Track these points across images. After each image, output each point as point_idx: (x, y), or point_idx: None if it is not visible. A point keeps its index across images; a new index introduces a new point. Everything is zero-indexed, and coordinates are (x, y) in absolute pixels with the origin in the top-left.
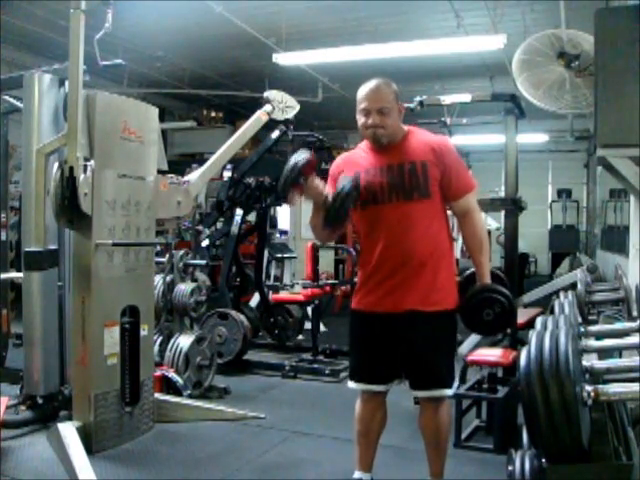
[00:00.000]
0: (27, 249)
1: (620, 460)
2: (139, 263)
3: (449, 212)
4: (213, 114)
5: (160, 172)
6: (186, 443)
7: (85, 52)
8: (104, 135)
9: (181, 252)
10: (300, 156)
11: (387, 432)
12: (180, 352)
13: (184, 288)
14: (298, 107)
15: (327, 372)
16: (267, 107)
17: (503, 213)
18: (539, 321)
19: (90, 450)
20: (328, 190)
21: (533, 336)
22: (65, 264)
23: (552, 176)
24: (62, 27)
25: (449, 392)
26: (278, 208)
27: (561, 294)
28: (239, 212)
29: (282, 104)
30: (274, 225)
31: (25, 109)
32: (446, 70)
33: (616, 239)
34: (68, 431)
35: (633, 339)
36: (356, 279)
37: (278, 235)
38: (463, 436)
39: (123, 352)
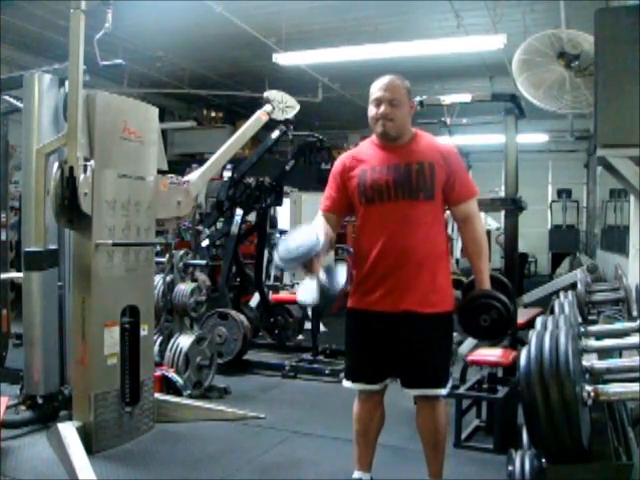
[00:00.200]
0: (27, 249)
1: (620, 460)
2: (139, 263)
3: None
4: (213, 114)
5: (160, 172)
6: (186, 443)
7: (85, 52)
8: (104, 135)
9: (181, 252)
10: (311, 242)
11: (386, 432)
12: (180, 352)
13: (184, 288)
14: (298, 107)
15: (327, 372)
16: (267, 107)
17: (503, 213)
18: (539, 321)
19: (90, 450)
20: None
21: (533, 336)
22: (65, 264)
23: (552, 176)
24: (62, 27)
25: (443, 391)
26: (278, 208)
27: (561, 294)
28: (239, 212)
29: (282, 104)
30: (274, 225)
31: (25, 109)
32: (446, 70)
33: (616, 239)
34: (68, 431)
35: (633, 339)
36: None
37: (278, 235)
38: (463, 436)
39: (123, 352)
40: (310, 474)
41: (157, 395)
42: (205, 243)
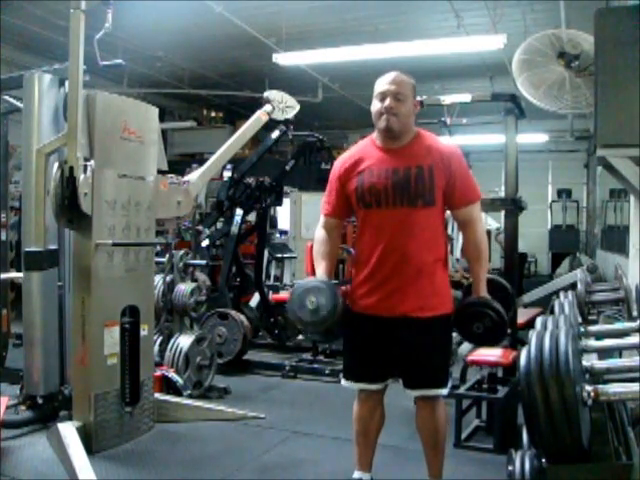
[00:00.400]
0: (27, 249)
1: (620, 460)
2: (139, 263)
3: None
4: (213, 114)
5: (160, 172)
6: (186, 443)
7: (85, 52)
8: (104, 135)
9: (181, 252)
10: (330, 304)
11: (386, 432)
12: (180, 352)
13: (184, 288)
14: (298, 107)
15: (327, 372)
16: (267, 107)
17: (503, 213)
18: (539, 321)
19: (90, 450)
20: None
21: (533, 336)
22: (65, 264)
23: (552, 176)
24: (62, 27)
25: (443, 392)
26: (278, 208)
27: (561, 294)
28: (239, 212)
29: (282, 104)
30: (274, 225)
31: (25, 109)
32: (446, 70)
33: (616, 239)
34: (68, 431)
35: (633, 339)
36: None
37: (278, 235)
38: (463, 436)
39: (123, 352)
40: (310, 474)
41: (157, 395)
42: (205, 243)
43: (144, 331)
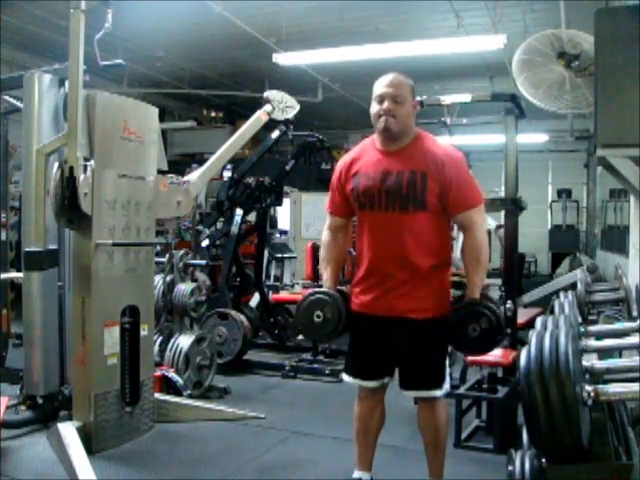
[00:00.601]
0: (27, 249)
1: (620, 460)
2: (139, 263)
3: None
4: (213, 114)
5: (160, 172)
6: (186, 443)
7: (85, 52)
8: (104, 135)
9: (181, 252)
10: (334, 318)
11: (387, 432)
12: (180, 352)
13: (184, 288)
14: (298, 107)
15: (327, 372)
16: (267, 107)
17: (503, 213)
18: (539, 321)
19: (90, 450)
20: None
21: (533, 336)
22: (65, 264)
23: (552, 176)
24: (62, 27)
25: (438, 393)
26: (278, 208)
27: (561, 294)
28: (239, 212)
29: (282, 104)
30: (274, 225)
31: (25, 109)
32: (446, 70)
33: (616, 239)
34: (68, 431)
35: (633, 339)
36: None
37: (278, 235)
38: (463, 436)
39: (123, 352)
40: (310, 474)
41: (157, 395)
42: (205, 243)
43: (144, 331)
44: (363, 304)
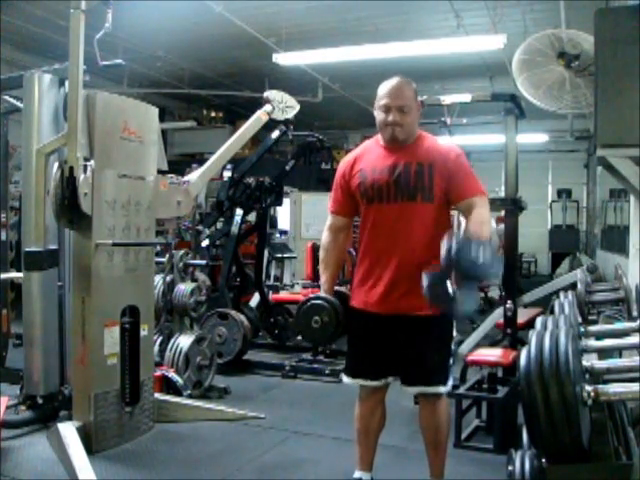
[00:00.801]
0: (27, 249)
1: (620, 460)
2: (139, 263)
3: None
4: (213, 114)
5: (160, 172)
6: (186, 443)
7: (85, 52)
8: (104, 135)
9: (181, 252)
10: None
11: (387, 432)
12: (180, 352)
13: (184, 288)
14: (298, 107)
15: (327, 372)
16: (267, 107)
17: (503, 213)
18: (539, 321)
19: (90, 450)
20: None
21: (533, 336)
22: (65, 264)
23: (552, 176)
24: (62, 27)
25: (443, 389)
26: (278, 208)
27: (561, 294)
28: (239, 212)
29: (282, 104)
30: (274, 225)
31: (25, 109)
32: (446, 70)
33: (616, 239)
34: (68, 431)
35: (633, 339)
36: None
37: (278, 235)
38: (463, 436)
39: (123, 352)
40: (310, 474)
41: (157, 395)
42: (205, 243)
43: (144, 331)
44: (366, 301)
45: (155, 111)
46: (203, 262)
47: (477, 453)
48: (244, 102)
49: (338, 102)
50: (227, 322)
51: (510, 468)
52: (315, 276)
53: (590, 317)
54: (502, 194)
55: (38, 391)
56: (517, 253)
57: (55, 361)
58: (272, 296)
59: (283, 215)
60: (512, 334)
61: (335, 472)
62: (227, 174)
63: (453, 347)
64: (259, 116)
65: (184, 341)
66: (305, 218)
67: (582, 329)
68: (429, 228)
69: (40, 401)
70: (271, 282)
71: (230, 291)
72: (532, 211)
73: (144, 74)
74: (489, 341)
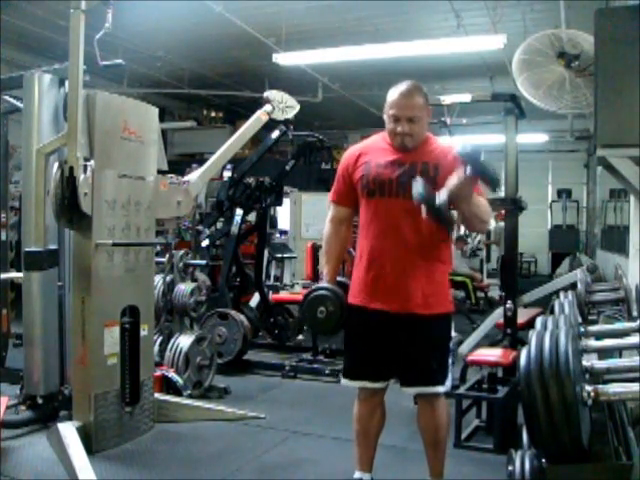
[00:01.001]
0: (27, 249)
1: (620, 460)
2: (139, 263)
3: None
4: (213, 114)
5: (160, 172)
6: (186, 443)
7: (85, 52)
8: (104, 135)
9: (181, 252)
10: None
11: (387, 432)
12: (180, 352)
13: (184, 288)
14: (298, 107)
15: (327, 372)
16: (267, 107)
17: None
18: (539, 321)
19: (90, 450)
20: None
21: (533, 336)
22: (65, 264)
23: (552, 176)
24: (62, 27)
25: (441, 389)
26: (278, 208)
27: (561, 294)
28: (239, 212)
29: (282, 104)
30: (274, 225)
31: (25, 109)
32: (446, 70)
33: (616, 239)
34: (68, 431)
35: (633, 339)
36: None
37: (278, 235)
38: (463, 436)
39: (123, 352)
40: (310, 474)
41: (157, 395)
42: (205, 243)
43: (144, 331)
44: (367, 299)
45: (155, 111)
46: (203, 262)
47: (477, 453)
48: (244, 102)
49: (338, 102)
50: (227, 322)
51: (510, 468)
52: (315, 276)
53: (590, 317)
54: (502, 194)
55: (38, 391)
56: (517, 253)
57: (55, 361)
58: (272, 296)
59: (283, 215)
60: (512, 334)
61: (335, 472)
62: (227, 174)
63: (453, 347)
64: (259, 116)
65: (184, 341)
66: (305, 218)
67: (582, 329)
68: (428, 228)
69: (40, 401)
70: (271, 282)
71: (230, 291)
72: (532, 211)
73: (144, 74)
74: (489, 341)
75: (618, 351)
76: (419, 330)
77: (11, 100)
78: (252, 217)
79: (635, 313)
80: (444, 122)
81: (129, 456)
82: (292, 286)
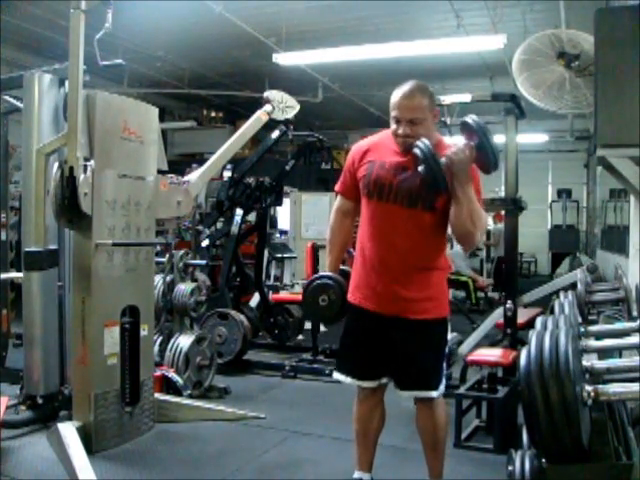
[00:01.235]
0: (27, 249)
1: (620, 460)
2: (139, 263)
3: None
4: (213, 114)
5: (160, 172)
6: (186, 443)
7: (85, 52)
8: (104, 135)
9: (181, 252)
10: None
11: (387, 432)
12: (180, 352)
13: (184, 288)
14: (298, 107)
15: (327, 372)
16: (267, 107)
17: (503, 213)
18: (539, 321)
19: (90, 450)
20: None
21: (533, 336)
22: (65, 264)
23: (552, 176)
24: (62, 27)
25: (434, 394)
26: (278, 208)
27: (561, 294)
28: (239, 212)
29: (282, 104)
30: (274, 225)
31: (25, 109)
32: (446, 70)
33: (616, 239)
34: (68, 431)
35: (633, 339)
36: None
37: (278, 235)
38: (463, 436)
39: (123, 352)
40: (310, 474)
41: (157, 395)
42: (205, 243)
43: (144, 331)
44: (363, 299)
45: (155, 111)
46: (203, 262)
47: (477, 453)
48: (244, 102)
49: (338, 102)
50: (227, 322)
51: (510, 468)
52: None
53: (590, 317)
54: (502, 194)
55: (38, 391)
56: (517, 253)
57: (55, 361)
58: (272, 296)
59: (283, 215)
60: (512, 334)
61: (335, 472)
62: (227, 174)
63: (453, 347)
64: (259, 116)
65: (184, 341)
66: (305, 218)
67: (582, 329)
68: (424, 235)
69: (40, 401)
70: (271, 282)
71: (230, 291)
72: (532, 211)
73: (144, 74)
74: (489, 341)
75: (618, 351)
76: (414, 334)
77: (11, 100)
78: (252, 217)
79: (635, 313)
80: (444, 122)
81: (129, 456)
82: (292, 286)
